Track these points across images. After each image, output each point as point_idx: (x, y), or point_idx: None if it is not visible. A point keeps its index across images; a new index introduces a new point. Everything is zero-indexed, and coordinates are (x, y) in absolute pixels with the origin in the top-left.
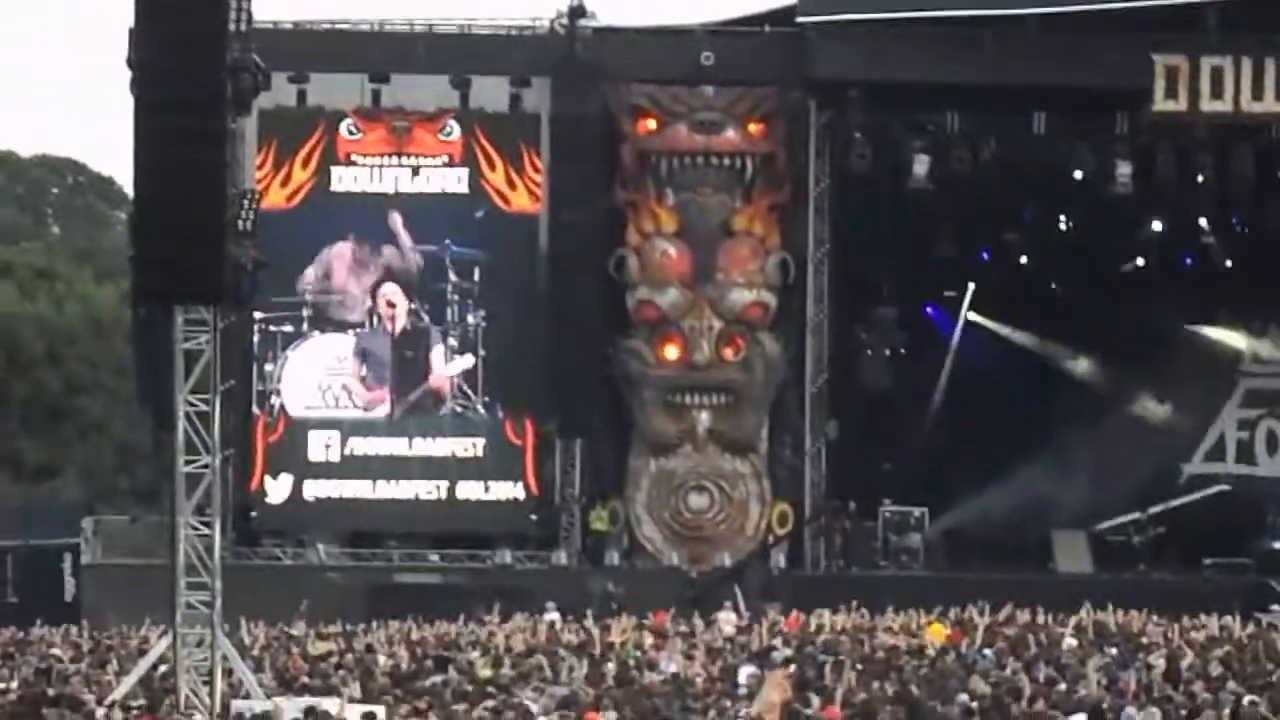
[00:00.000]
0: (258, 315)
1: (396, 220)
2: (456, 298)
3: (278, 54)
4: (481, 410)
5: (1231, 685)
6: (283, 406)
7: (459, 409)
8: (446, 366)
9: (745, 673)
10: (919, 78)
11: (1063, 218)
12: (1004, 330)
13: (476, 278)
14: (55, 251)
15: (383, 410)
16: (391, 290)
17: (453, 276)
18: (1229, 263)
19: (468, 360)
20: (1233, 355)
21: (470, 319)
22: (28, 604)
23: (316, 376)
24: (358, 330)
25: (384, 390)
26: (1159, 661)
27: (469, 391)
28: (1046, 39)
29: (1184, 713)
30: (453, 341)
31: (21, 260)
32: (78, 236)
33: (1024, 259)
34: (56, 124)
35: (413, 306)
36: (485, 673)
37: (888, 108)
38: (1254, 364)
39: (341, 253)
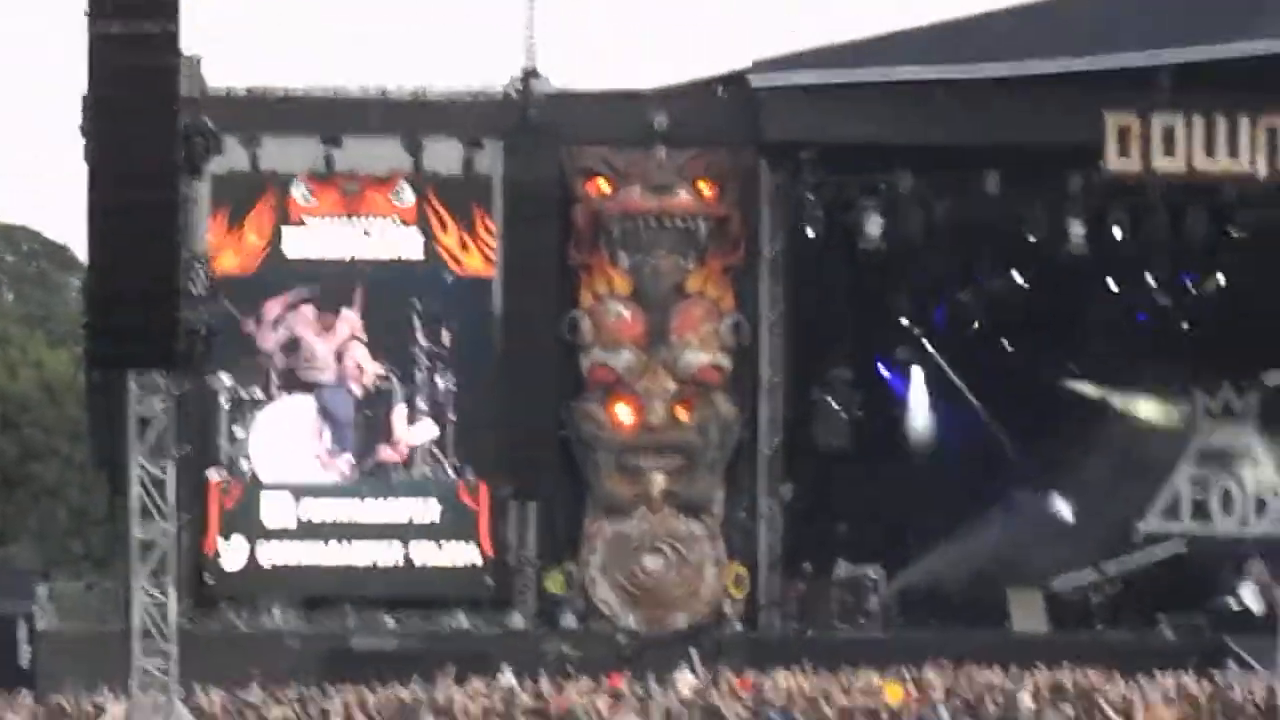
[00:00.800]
0: (225, 380)
1: (362, 284)
2: (426, 361)
3: (231, 118)
4: (452, 474)
5: None
6: (254, 472)
7: (428, 473)
8: (409, 433)
9: None
10: (871, 139)
11: (1017, 278)
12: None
13: (446, 341)
14: (8, 317)
15: (344, 474)
16: (361, 354)
17: (422, 341)
18: (1184, 324)
19: (432, 430)
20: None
21: (440, 382)
22: None
23: (287, 440)
24: (323, 392)
25: (347, 454)
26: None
27: (439, 456)
28: (999, 98)
29: None
30: (421, 404)
31: None
32: (31, 303)
33: (977, 320)
34: (10, 191)
35: (380, 370)
36: None
37: (840, 169)
38: (1207, 422)
39: (306, 315)
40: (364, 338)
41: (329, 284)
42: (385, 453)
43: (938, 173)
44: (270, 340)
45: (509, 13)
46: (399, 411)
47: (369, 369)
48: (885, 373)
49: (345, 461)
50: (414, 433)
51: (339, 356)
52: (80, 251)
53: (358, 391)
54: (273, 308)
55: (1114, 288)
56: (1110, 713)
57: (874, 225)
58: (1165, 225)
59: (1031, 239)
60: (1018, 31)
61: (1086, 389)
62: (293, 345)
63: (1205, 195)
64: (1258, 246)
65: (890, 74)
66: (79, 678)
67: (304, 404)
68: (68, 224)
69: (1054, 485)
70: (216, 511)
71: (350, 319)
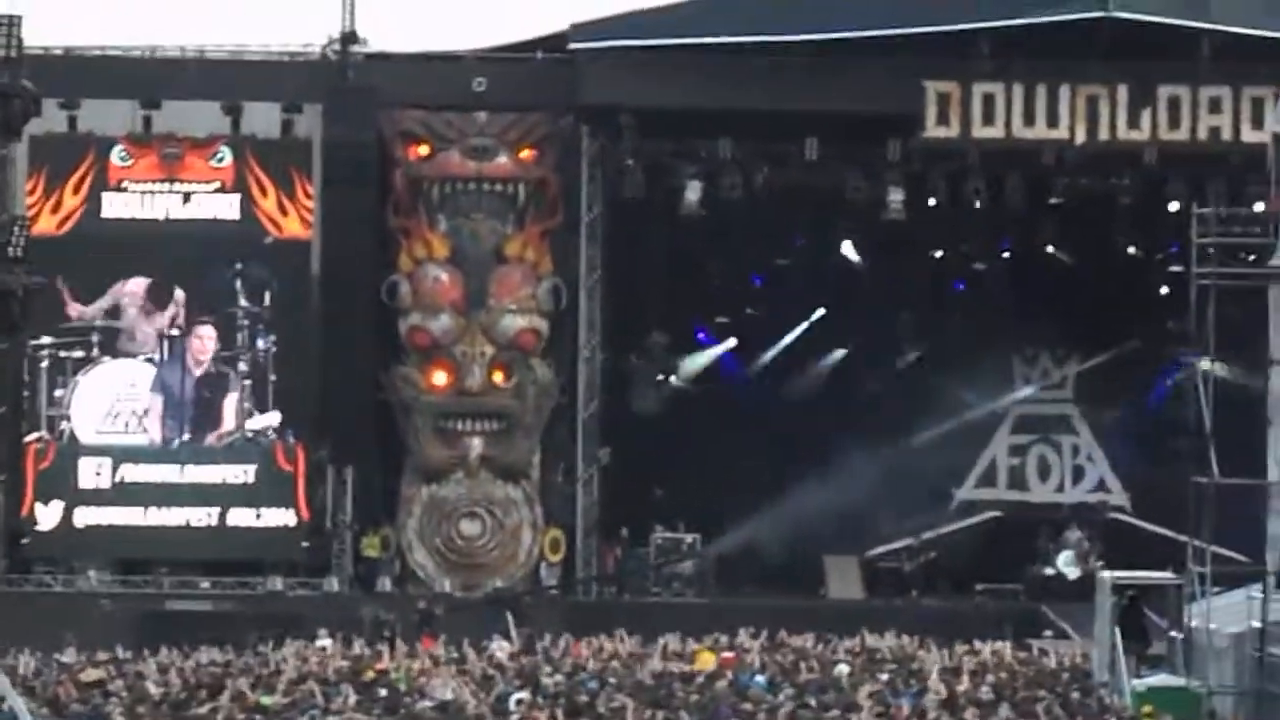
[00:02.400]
0: (46, 340)
1: (181, 249)
2: (247, 323)
3: (49, 80)
4: (272, 435)
5: (1004, 711)
6: (72, 432)
7: (247, 434)
8: (252, 420)
9: (515, 699)
10: (691, 104)
11: (836, 244)
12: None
13: (267, 302)
14: None
15: (159, 438)
16: (207, 332)
17: (243, 301)
18: (1001, 290)
19: (275, 417)
20: None
21: (260, 344)
22: None
23: (108, 402)
24: (156, 363)
25: (183, 427)
26: (939, 688)
27: (256, 413)
28: (818, 65)
29: None
30: (243, 366)
31: None
32: None
33: (796, 286)
34: None
35: (221, 350)
36: (265, 700)
37: (660, 134)
38: (1025, 390)
39: (134, 290)
40: (202, 311)
41: (159, 253)
42: (216, 434)
43: (757, 139)
44: (93, 306)
45: None
46: (232, 395)
47: (211, 347)
48: (702, 338)
49: (173, 432)
50: (256, 423)
51: (169, 328)
52: None
53: (196, 369)
54: (95, 270)
55: (934, 254)
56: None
57: (693, 191)
58: (984, 192)
59: (851, 205)
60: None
61: (906, 356)
62: (115, 318)
63: (1024, 163)
64: (1076, 214)
65: (710, 39)
66: None
67: (124, 368)
68: None
69: (874, 451)
70: (32, 473)
71: (178, 295)
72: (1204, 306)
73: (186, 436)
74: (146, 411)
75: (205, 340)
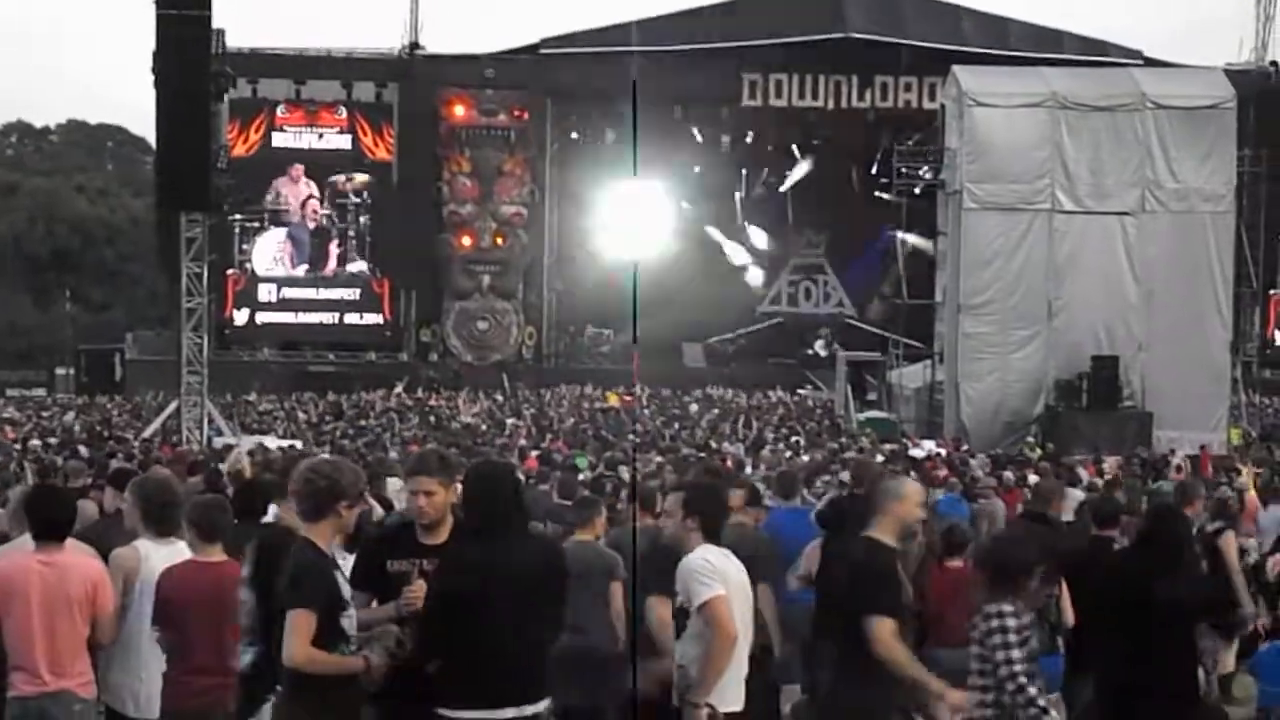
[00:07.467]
0: (238, 216)
1: (316, 163)
2: (354, 207)
3: (241, 66)
4: (368, 271)
5: (786, 429)
6: (253, 269)
7: (354, 271)
8: (343, 251)
9: (510, 423)
10: (607, 85)
11: (690, 166)
12: None
13: (366, 197)
14: (111, 179)
15: (304, 272)
16: (314, 204)
17: (352, 197)
18: (786, 192)
19: (362, 265)
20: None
21: (362, 220)
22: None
23: (272, 250)
24: (292, 225)
25: (305, 263)
26: (743, 417)
27: (361, 260)
28: (679, 63)
29: (752, 444)
30: (351, 234)
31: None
32: (124, 170)
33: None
34: (106, 102)
35: (327, 213)
36: (364, 422)
37: (593, 103)
38: (798, 249)
39: (285, 181)
40: (317, 194)
41: (298, 163)
42: (329, 260)
43: (645, 107)
44: (267, 194)
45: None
46: (335, 239)
47: (319, 212)
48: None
49: (304, 265)
50: (346, 251)
51: (302, 205)
52: (151, 141)
53: (311, 225)
54: (265, 177)
55: (745, 173)
56: (752, 418)
57: (610, 135)
58: (776, 136)
59: (699, 143)
60: (693, 23)
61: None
62: (278, 198)
63: (799, 120)
64: (829, 148)
65: (617, 49)
66: (149, 387)
67: (280, 231)
68: (144, 125)
69: (710, 284)
70: (231, 292)
71: (310, 184)
72: (901, 203)
73: (305, 267)
74: (289, 256)
75: (314, 207)
